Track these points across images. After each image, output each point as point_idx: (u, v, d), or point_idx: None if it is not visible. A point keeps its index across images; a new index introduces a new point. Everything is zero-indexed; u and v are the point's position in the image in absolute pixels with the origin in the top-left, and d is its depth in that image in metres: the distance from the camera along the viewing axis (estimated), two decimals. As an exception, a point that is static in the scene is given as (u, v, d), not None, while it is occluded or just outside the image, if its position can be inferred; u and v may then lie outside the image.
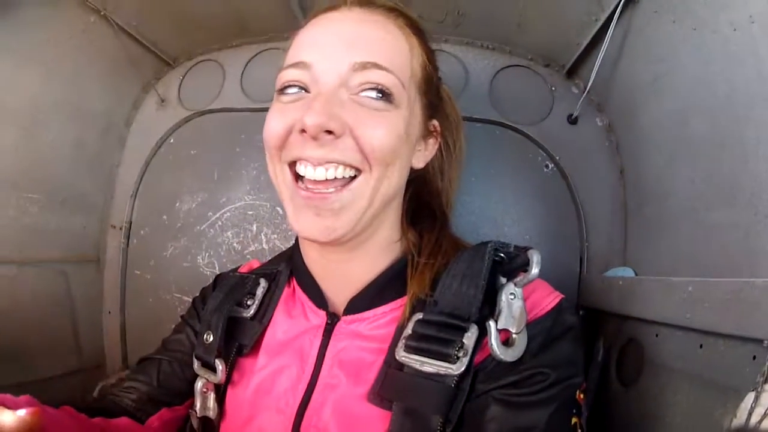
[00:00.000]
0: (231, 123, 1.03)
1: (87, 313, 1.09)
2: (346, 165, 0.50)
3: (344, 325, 0.56)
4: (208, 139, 1.05)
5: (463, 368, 0.46)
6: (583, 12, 0.86)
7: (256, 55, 1.06)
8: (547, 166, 0.95)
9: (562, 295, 0.53)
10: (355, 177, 0.51)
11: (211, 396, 0.60)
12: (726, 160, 0.61)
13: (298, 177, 0.52)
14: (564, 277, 0.92)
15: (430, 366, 0.47)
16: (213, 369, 0.59)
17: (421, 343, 0.49)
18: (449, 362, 0.47)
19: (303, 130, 0.49)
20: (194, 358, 0.62)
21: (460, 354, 0.47)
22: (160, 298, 1.06)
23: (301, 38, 0.55)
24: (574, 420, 0.49)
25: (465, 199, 0.93)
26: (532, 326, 0.49)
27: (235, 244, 1.01)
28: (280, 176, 0.54)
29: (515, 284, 0.49)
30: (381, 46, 0.52)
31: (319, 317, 0.58)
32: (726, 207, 0.61)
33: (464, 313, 0.48)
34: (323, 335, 0.56)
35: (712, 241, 0.64)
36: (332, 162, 0.50)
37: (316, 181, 0.50)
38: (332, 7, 0.56)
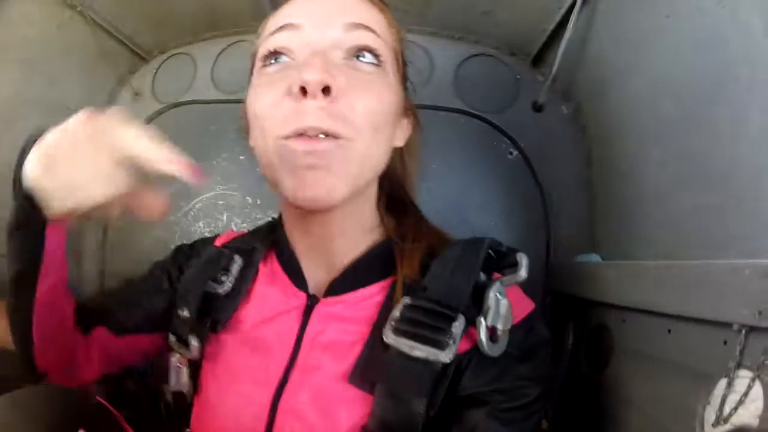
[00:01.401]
0: (202, 114, 1.05)
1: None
2: (336, 136, 0.49)
3: (324, 306, 0.56)
4: (181, 130, 1.06)
5: (451, 355, 0.47)
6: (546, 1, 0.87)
7: (226, 47, 1.07)
8: (511, 153, 0.97)
9: (534, 304, 0.55)
10: (343, 145, 0.50)
11: (185, 371, 0.61)
12: (696, 142, 0.61)
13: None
14: (531, 263, 0.93)
15: (419, 351, 0.47)
16: (187, 344, 0.59)
17: (411, 327, 0.49)
18: (440, 348, 0.47)
19: (302, 89, 0.47)
20: (169, 332, 0.62)
21: (450, 342, 0.47)
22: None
23: (284, 7, 0.54)
24: (545, 425, 0.52)
25: (430, 185, 0.94)
26: (517, 326, 0.50)
27: (206, 234, 1.02)
28: (274, 150, 0.51)
29: (501, 283, 0.50)
30: (369, 13, 0.53)
31: (299, 298, 0.57)
32: (697, 190, 0.61)
33: (454, 303, 0.49)
34: (302, 316, 0.56)
35: (685, 224, 0.64)
36: (325, 131, 0.48)
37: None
38: None
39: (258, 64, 0.54)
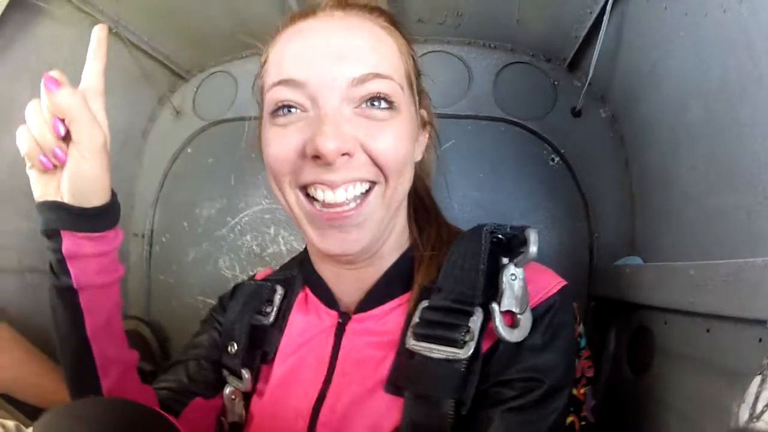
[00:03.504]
0: (245, 131, 1.07)
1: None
2: (363, 181, 0.50)
3: (355, 323, 0.57)
4: (224, 147, 1.09)
5: (470, 352, 0.47)
6: (578, 5, 0.88)
7: (266, 64, 1.10)
8: (552, 160, 0.98)
9: (566, 282, 0.53)
10: (369, 189, 0.51)
11: (239, 402, 0.61)
12: (723, 143, 0.61)
13: (310, 199, 0.51)
14: (574, 269, 0.95)
15: (438, 352, 0.48)
16: (239, 377, 0.60)
17: (428, 330, 0.49)
18: (456, 347, 0.47)
19: (316, 156, 0.47)
20: (221, 367, 0.64)
21: (467, 338, 0.47)
22: (184, 302, 1.11)
23: (284, 50, 0.51)
24: (570, 419, 0.50)
25: (474, 195, 0.95)
26: (536, 309, 0.49)
27: (254, 247, 1.05)
28: (293, 201, 0.52)
29: (515, 264, 0.49)
30: (375, 54, 0.49)
31: (331, 317, 0.59)
32: (726, 190, 0.62)
33: (468, 297, 0.49)
34: (335, 334, 0.57)
35: (714, 225, 0.64)
36: (350, 181, 0.49)
37: (333, 203, 0.50)
38: (309, 12, 0.53)
39: (267, 108, 0.52)
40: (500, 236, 0.53)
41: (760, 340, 0.46)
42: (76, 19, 0.96)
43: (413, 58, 0.57)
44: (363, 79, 0.48)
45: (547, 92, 1.01)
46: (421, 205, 0.64)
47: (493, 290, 0.49)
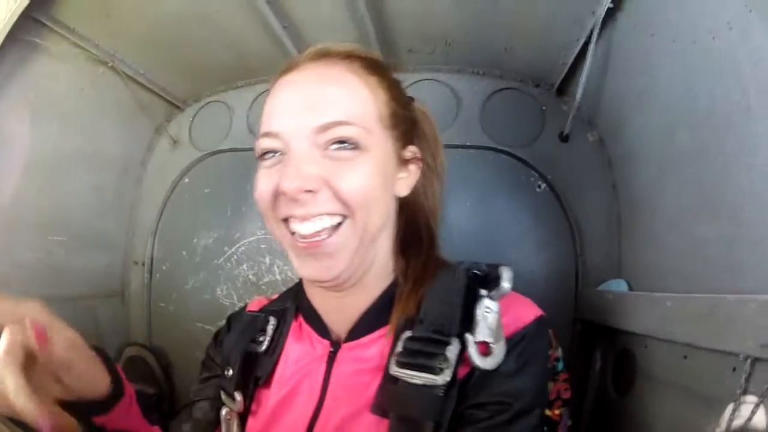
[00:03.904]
0: (241, 161, 1.10)
1: (114, 343, 1.17)
2: (330, 214, 0.55)
3: (345, 351, 0.61)
4: (220, 177, 1.11)
5: (448, 378, 0.51)
6: (565, 33, 0.90)
7: (260, 94, 1.12)
8: (539, 186, 0.99)
9: (542, 312, 0.57)
10: (341, 222, 0.55)
11: (235, 423, 0.65)
12: (709, 172, 0.63)
13: (290, 230, 0.57)
14: (561, 292, 0.97)
15: (418, 378, 0.52)
16: (233, 399, 0.64)
17: (410, 358, 0.54)
18: (434, 374, 0.51)
19: (283, 193, 0.53)
20: (220, 389, 0.68)
21: (444, 366, 0.51)
22: (184, 328, 1.14)
23: (269, 104, 0.58)
24: None
25: (461, 224, 0.97)
26: (510, 339, 0.53)
27: (250, 276, 1.08)
28: (278, 231, 0.58)
29: (490, 298, 0.54)
30: (340, 102, 0.55)
31: (323, 346, 0.63)
32: (710, 219, 0.64)
33: (446, 329, 0.54)
34: (327, 362, 0.62)
35: (697, 254, 0.66)
36: (316, 215, 0.54)
37: (306, 235, 0.55)
38: (293, 65, 0.59)
39: (256, 153, 0.59)
40: (477, 272, 0.58)
41: (734, 369, 0.48)
42: (73, 55, 0.99)
43: (396, 98, 0.61)
44: (326, 127, 0.54)
45: (535, 117, 1.03)
46: (415, 236, 0.67)
47: (469, 322, 0.54)
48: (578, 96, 0.93)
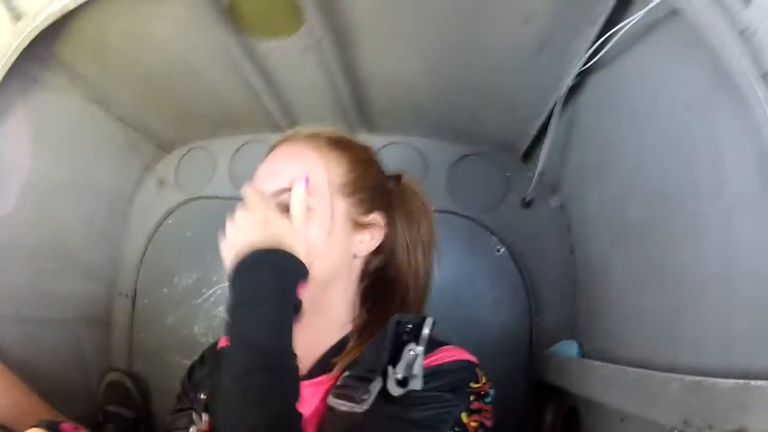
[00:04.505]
0: (220, 209, 1.14)
1: (96, 367, 1.23)
2: None
3: (304, 387, 0.66)
4: (201, 223, 1.18)
5: (366, 407, 0.59)
6: (530, 104, 0.94)
7: (242, 145, 1.18)
8: (498, 250, 1.06)
9: (473, 359, 0.63)
10: None
11: None
12: (657, 245, 0.67)
13: None
14: (516, 352, 1.03)
15: (344, 406, 0.60)
16: (201, 418, 0.72)
17: (341, 390, 0.62)
18: (356, 403, 0.59)
19: None
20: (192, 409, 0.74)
21: (365, 397, 0.59)
22: (163, 359, 1.20)
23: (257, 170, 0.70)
24: None
25: (421, 284, 1.03)
26: (430, 367, 0.60)
27: (225, 317, 1.14)
28: None
29: (416, 343, 0.61)
30: (288, 172, 0.66)
31: None
32: (655, 291, 0.67)
33: (374, 369, 0.61)
34: None
35: (642, 321, 0.71)
36: None
37: None
38: (275, 145, 0.72)
39: None
40: (409, 324, 0.65)
41: None
42: (69, 91, 1.04)
43: (358, 170, 0.70)
44: (277, 193, 0.65)
45: (499, 184, 1.09)
46: (386, 299, 0.74)
47: (395, 362, 0.61)
48: (541, 164, 0.98)
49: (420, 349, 0.61)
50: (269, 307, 0.56)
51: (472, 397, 0.60)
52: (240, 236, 0.60)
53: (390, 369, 0.60)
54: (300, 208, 0.64)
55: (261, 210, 0.61)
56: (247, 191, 0.63)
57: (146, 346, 1.22)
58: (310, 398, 0.68)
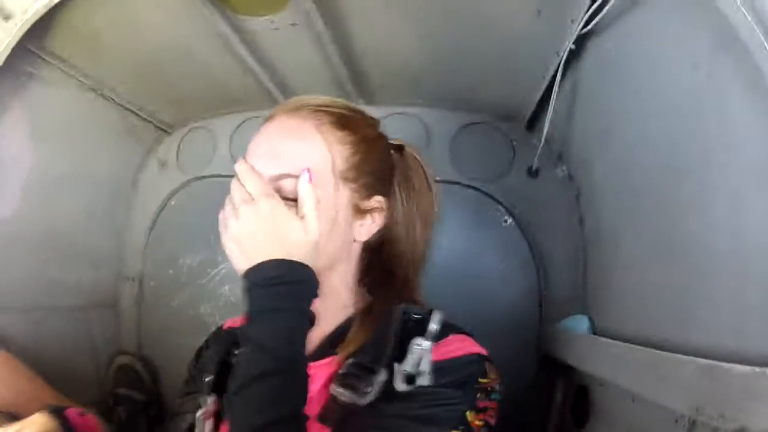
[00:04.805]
0: (223, 188, 1.14)
1: (105, 352, 1.24)
2: None
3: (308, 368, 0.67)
4: (204, 203, 1.16)
5: (369, 399, 0.58)
6: (530, 71, 0.91)
7: (242, 123, 1.17)
8: (505, 221, 1.03)
9: (483, 351, 0.61)
10: None
11: (209, 424, 0.70)
12: (665, 216, 0.64)
13: None
14: (524, 326, 1.00)
15: (345, 397, 0.59)
16: (206, 401, 0.70)
17: (346, 380, 0.61)
18: (359, 395, 0.58)
19: None
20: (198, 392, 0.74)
21: (368, 390, 0.58)
22: (171, 341, 1.20)
23: (249, 145, 0.65)
24: None
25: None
26: (436, 363, 0.58)
27: (231, 298, 1.14)
28: None
29: (423, 337, 0.60)
30: (291, 156, 0.61)
31: None
32: (663, 263, 0.65)
33: (378, 360, 0.60)
34: None
35: (650, 296, 0.68)
36: None
37: None
38: (272, 115, 0.66)
39: None
40: (416, 315, 0.63)
41: (676, 421, 0.51)
42: (65, 83, 1.03)
43: (362, 152, 0.66)
44: (276, 178, 0.61)
45: (505, 152, 1.06)
46: (384, 278, 0.72)
47: (402, 356, 0.60)
48: (545, 132, 0.94)
49: (428, 344, 0.59)
50: (287, 320, 0.58)
51: (479, 395, 0.59)
52: (246, 233, 0.58)
53: (396, 365, 0.58)
54: (313, 212, 0.60)
55: (266, 202, 0.58)
56: (244, 173, 0.60)
57: (154, 329, 1.23)
58: (312, 381, 0.66)
